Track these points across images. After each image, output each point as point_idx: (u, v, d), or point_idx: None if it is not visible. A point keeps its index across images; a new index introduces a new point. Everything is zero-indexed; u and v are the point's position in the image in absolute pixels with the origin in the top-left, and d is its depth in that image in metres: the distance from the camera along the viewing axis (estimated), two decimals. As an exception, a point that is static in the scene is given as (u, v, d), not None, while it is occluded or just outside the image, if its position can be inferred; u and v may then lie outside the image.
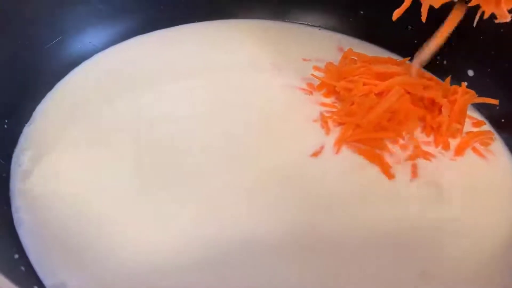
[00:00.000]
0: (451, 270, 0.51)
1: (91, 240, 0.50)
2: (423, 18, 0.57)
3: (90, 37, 0.73)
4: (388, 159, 0.60)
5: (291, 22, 0.83)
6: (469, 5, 0.55)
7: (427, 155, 0.61)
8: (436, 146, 0.63)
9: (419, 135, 0.64)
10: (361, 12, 0.81)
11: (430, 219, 0.55)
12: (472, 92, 0.67)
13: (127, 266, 0.48)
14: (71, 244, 0.50)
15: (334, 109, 0.65)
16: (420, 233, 0.54)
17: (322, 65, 0.71)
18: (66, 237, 0.50)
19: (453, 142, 0.64)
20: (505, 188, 0.61)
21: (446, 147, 0.63)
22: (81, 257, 0.49)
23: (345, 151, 0.61)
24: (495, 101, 0.67)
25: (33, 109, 0.64)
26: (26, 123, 0.62)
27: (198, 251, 0.50)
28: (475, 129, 0.67)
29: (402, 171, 0.59)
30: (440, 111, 0.63)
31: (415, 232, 0.54)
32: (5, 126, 0.59)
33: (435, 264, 0.52)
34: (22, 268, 0.46)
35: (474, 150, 0.64)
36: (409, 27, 0.74)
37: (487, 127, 0.69)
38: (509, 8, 0.52)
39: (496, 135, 0.68)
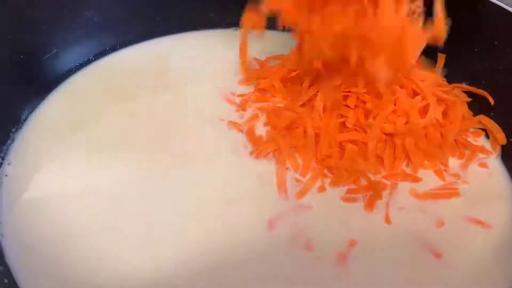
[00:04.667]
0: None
1: (71, 254, 0.51)
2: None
3: (84, 48, 0.74)
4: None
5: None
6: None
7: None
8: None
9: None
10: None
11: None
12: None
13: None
14: (52, 256, 0.51)
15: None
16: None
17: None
18: (49, 249, 0.51)
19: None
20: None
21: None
22: (62, 271, 0.50)
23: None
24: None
25: (26, 119, 0.65)
26: (19, 132, 0.63)
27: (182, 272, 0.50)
28: (473, 141, 0.66)
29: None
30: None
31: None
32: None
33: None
34: (5, 280, 0.47)
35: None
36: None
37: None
38: None
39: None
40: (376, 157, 0.60)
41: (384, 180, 0.60)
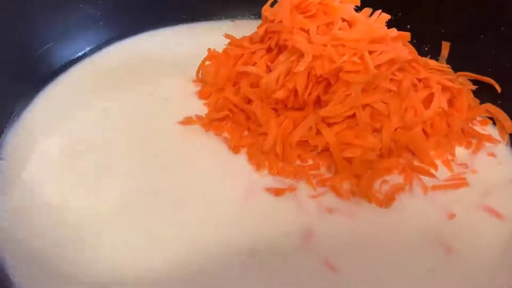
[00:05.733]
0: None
1: (69, 254, 0.49)
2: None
3: (79, 42, 0.73)
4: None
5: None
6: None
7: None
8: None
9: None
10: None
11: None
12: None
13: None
14: (49, 255, 0.49)
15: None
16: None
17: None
18: (45, 247, 0.50)
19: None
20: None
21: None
22: (58, 270, 0.48)
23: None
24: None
25: (20, 114, 0.63)
26: (12, 127, 0.62)
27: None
28: (480, 129, 0.64)
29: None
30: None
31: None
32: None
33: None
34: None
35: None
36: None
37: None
38: None
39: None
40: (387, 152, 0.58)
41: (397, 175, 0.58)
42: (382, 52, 0.56)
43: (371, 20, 0.61)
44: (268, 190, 0.56)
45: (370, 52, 0.56)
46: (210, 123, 0.63)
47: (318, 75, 0.56)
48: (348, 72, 0.55)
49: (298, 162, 0.59)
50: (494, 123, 0.65)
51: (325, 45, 0.56)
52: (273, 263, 0.49)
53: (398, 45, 0.59)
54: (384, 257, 0.50)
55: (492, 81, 0.66)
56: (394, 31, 0.60)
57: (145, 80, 0.70)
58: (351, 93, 0.55)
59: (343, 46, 0.56)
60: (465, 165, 0.60)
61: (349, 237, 0.52)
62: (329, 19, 0.59)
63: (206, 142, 0.61)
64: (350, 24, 0.60)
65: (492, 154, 0.62)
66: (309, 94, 0.57)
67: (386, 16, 0.61)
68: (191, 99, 0.67)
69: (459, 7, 0.70)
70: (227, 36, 0.69)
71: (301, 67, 0.56)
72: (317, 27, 0.59)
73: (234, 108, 0.62)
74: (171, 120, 0.64)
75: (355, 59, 0.55)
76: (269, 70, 0.60)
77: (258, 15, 0.68)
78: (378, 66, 0.56)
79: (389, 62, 0.57)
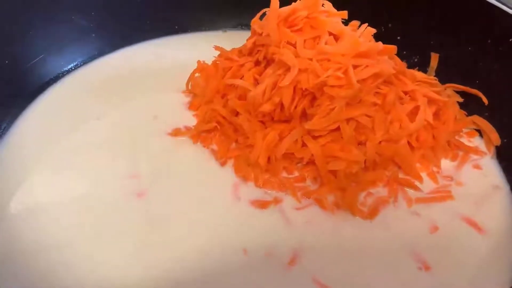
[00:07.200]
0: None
1: (58, 264, 0.50)
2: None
3: (71, 53, 0.74)
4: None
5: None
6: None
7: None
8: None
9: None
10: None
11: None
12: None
13: None
14: (38, 265, 0.50)
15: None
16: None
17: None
18: (35, 258, 0.50)
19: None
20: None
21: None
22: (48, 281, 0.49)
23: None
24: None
25: (10, 126, 0.64)
26: (2, 141, 0.62)
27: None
28: (467, 141, 0.65)
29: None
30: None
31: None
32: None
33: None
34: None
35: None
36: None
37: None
38: None
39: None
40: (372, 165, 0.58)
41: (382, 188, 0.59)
42: (367, 66, 0.57)
43: (358, 34, 0.62)
44: (254, 203, 0.56)
45: (355, 67, 0.56)
46: (198, 134, 0.64)
47: (304, 89, 0.57)
48: (332, 86, 0.55)
49: (284, 174, 0.60)
50: (481, 135, 0.66)
51: (311, 59, 0.57)
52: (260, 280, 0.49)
53: (384, 58, 0.60)
54: (366, 273, 0.50)
55: (479, 93, 0.66)
56: (380, 45, 0.60)
57: (136, 91, 0.70)
58: (335, 107, 0.55)
59: (328, 60, 0.57)
60: (450, 178, 0.61)
61: (333, 251, 0.52)
62: (316, 33, 0.60)
63: (194, 154, 0.62)
64: (337, 38, 0.60)
65: (478, 166, 0.62)
66: (295, 107, 0.58)
67: (372, 30, 0.62)
68: (181, 111, 0.68)
69: (448, 19, 0.70)
70: (216, 48, 0.69)
71: (286, 81, 0.57)
72: (304, 41, 0.59)
73: (222, 120, 0.63)
74: (161, 131, 0.65)
75: (339, 73, 0.55)
76: (257, 83, 0.61)
77: (249, 26, 0.68)
78: (362, 80, 0.56)
79: (373, 76, 0.57)
